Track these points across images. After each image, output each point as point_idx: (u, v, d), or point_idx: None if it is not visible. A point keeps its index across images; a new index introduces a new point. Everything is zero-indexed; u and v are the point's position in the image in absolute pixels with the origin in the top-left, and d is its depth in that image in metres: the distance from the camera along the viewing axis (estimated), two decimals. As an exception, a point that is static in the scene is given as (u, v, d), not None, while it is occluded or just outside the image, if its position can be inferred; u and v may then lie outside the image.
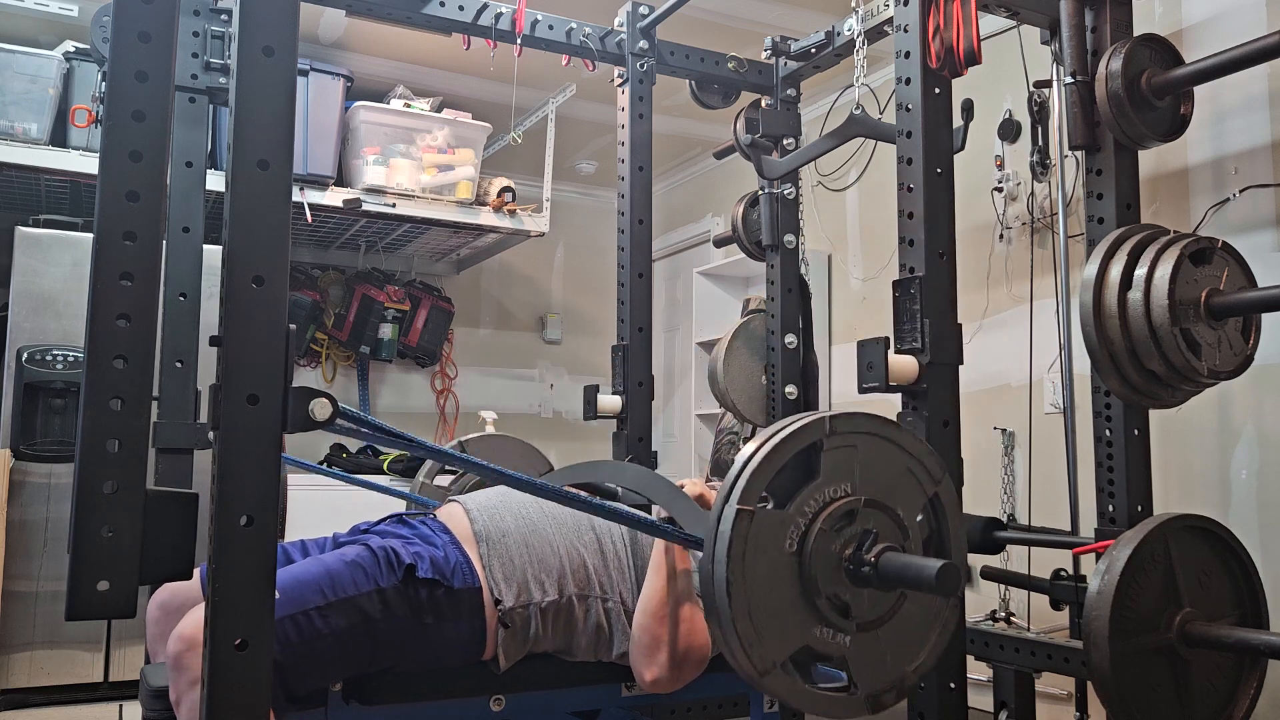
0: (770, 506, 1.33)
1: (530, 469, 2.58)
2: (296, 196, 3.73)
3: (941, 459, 1.45)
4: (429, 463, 2.54)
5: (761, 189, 2.86)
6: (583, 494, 1.56)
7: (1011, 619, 3.03)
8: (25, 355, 3.45)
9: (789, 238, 2.84)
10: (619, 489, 2.23)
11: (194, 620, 1.47)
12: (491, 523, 1.77)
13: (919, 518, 1.41)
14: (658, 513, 1.85)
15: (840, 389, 4.19)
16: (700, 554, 1.36)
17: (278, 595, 1.49)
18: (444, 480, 2.52)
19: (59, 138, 3.56)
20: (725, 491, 1.31)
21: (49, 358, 3.48)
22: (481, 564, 1.71)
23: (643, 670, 1.70)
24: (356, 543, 1.73)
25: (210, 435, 1.09)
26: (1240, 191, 2.72)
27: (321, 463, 4.52)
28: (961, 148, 1.91)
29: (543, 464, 2.61)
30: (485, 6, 2.54)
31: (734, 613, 1.27)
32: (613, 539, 1.85)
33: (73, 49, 3.63)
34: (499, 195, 4.20)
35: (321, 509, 2.64)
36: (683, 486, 1.74)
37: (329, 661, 1.55)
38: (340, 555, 1.64)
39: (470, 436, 2.57)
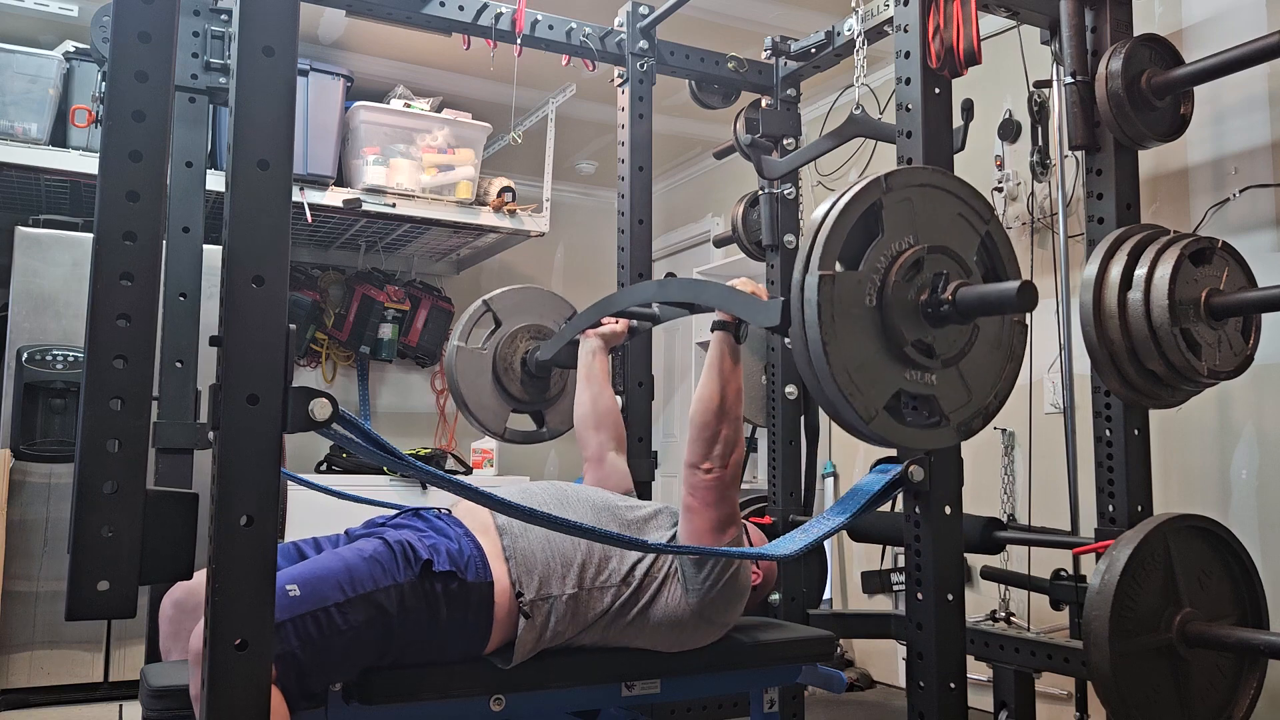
0: (843, 270, 1.43)
1: (559, 316, 2.69)
2: (296, 196, 3.73)
3: (987, 201, 1.55)
4: (461, 326, 2.63)
5: (761, 189, 2.86)
6: (596, 526, 1.59)
7: (1011, 619, 3.03)
8: (25, 355, 3.45)
9: (789, 238, 2.84)
10: (656, 310, 2.30)
11: None
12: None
13: (974, 258, 1.52)
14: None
15: (840, 389, 4.18)
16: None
17: (298, 591, 1.50)
18: (478, 342, 2.62)
19: (59, 138, 3.56)
20: (803, 261, 1.40)
21: (49, 358, 3.48)
22: (504, 556, 1.72)
23: (701, 463, 1.78)
24: (372, 536, 1.73)
25: (210, 435, 1.09)
26: (1240, 191, 2.72)
27: (321, 463, 4.52)
28: (961, 148, 1.91)
29: (567, 309, 2.70)
30: (485, 6, 2.54)
31: (834, 370, 1.37)
32: (637, 532, 1.87)
33: (73, 49, 3.63)
34: (499, 195, 4.20)
35: (322, 509, 2.63)
36: (734, 285, 1.80)
37: (346, 657, 1.55)
38: (358, 551, 1.63)
39: (497, 292, 2.67)
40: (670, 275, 2.20)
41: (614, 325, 2.39)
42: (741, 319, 1.81)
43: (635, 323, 2.41)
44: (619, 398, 2.57)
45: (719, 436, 1.78)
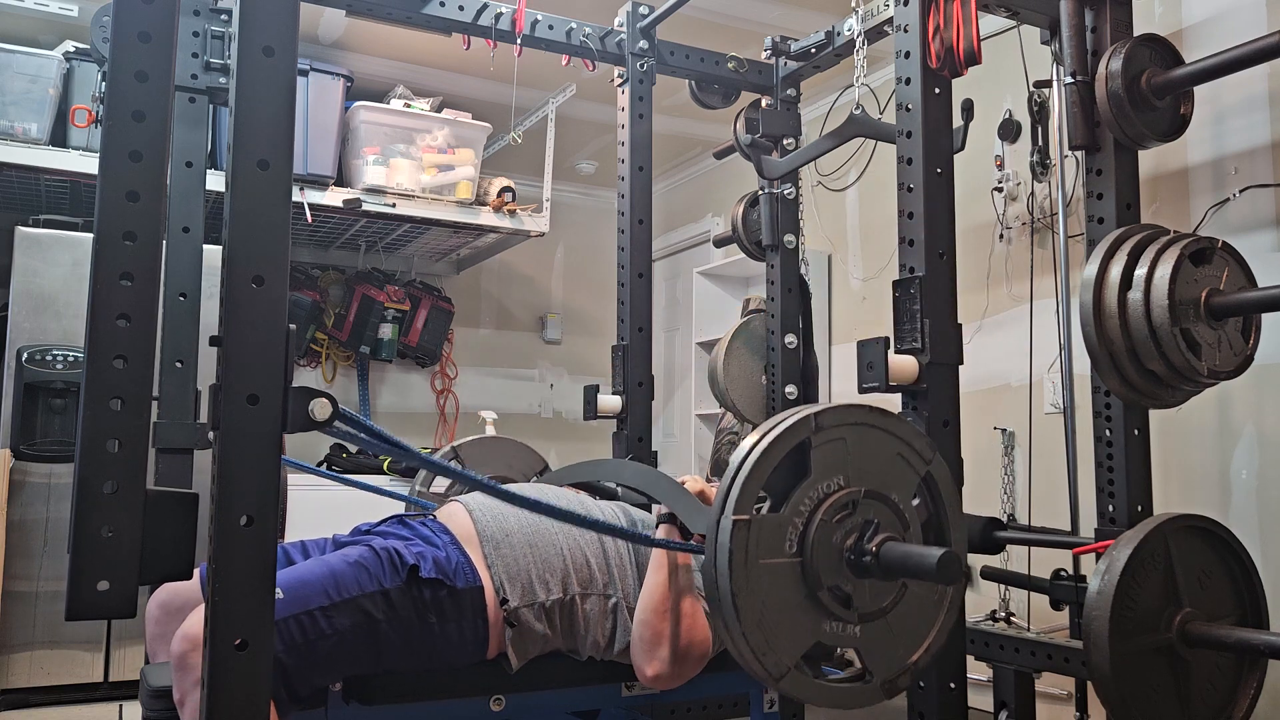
0: (766, 509, 1.33)
1: (528, 469, 2.58)
2: (296, 196, 3.73)
3: (929, 439, 1.46)
4: (423, 473, 2.54)
5: (761, 189, 2.86)
6: (575, 511, 1.58)
7: (1011, 619, 3.03)
8: (25, 355, 3.45)
9: (789, 238, 2.84)
10: (618, 488, 2.22)
11: (198, 619, 1.47)
12: (495, 523, 1.77)
13: (915, 501, 1.42)
14: (657, 511, 1.84)
15: (840, 389, 4.19)
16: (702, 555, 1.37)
17: (282, 595, 1.50)
18: (440, 487, 2.52)
19: (59, 138, 3.56)
20: (720, 502, 1.31)
21: (49, 358, 3.48)
22: (485, 564, 1.72)
23: (644, 666, 1.69)
24: (359, 543, 1.73)
25: (210, 435, 1.09)
26: (1240, 191, 2.72)
27: (321, 463, 4.52)
28: (961, 148, 1.91)
29: (539, 464, 2.61)
30: (485, 6, 2.54)
31: (744, 624, 1.28)
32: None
33: (73, 49, 3.63)
34: (499, 195, 4.20)
35: (321, 509, 2.64)
36: (684, 483, 1.74)
37: (332, 661, 1.55)
38: (344, 556, 1.64)
39: (464, 440, 2.57)
40: (632, 458, 2.18)
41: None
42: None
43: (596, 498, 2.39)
44: (618, 397, 2.57)
45: (661, 639, 1.68)
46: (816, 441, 1.35)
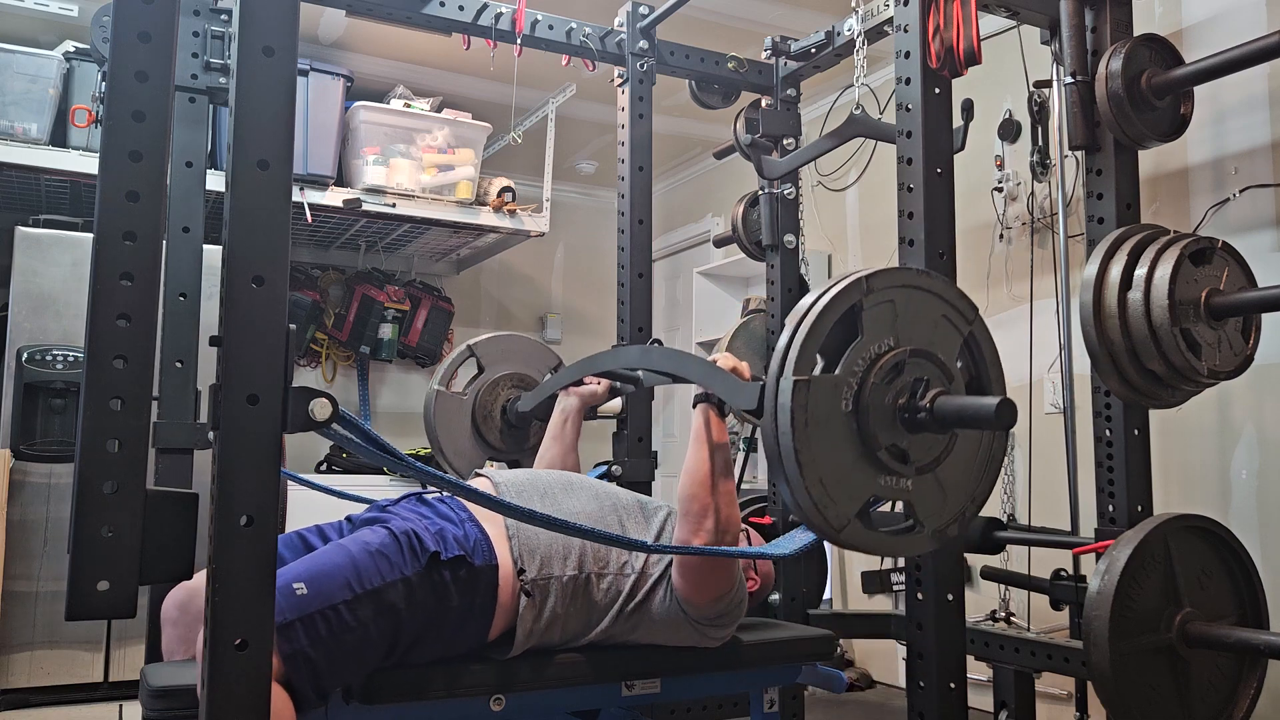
0: (821, 370, 1.37)
1: (543, 365, 2.64)
2: (296, 196, 3.73)
3: (971, 301, 1.50)
4: (443, 370, 2.60)
5: (761, 189, 2.86)
6: (588, 526, 1.58)
7: (1011, 619, 3.03)
8: (25, 355, 3.45)
9: (789, 238, 2.84)
10: (640, 373, 2.26)
11: None
12: (519, 498, 1.79)
13: (959, 362, 1.47)
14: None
15: (840, 389, 4.18)
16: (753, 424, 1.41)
17: (305, 589, 1.49)
18: (459, 386, 2.56)
19: (59, 138, 3.56)
20: (778, 363, 1.35)
21: (49, 358, 3.48)
22: (506, 535, 1.72)
23: (691, 537, 1.72)
24: (376, 522, 1.72)
25: (210, 435, 1.09)
26: (1240, 191, 2.72)
27: (321, 463, 4.52)
28: (961, 148, 1.91)
29: (553, 360, 2.67)
30: (485, 6, 2.54)
31: (806, 480, 1.32)
32: (636, 520, 1.87)
33: (73, 49, 3.63)
34: (499, 195, 4.20)
35: (322, 509, 2.62)
36: (716, 361, 1.76)
37: (357, 654, 1.53)
38: (364, 544, 1.62)
39: (481, 338, 2.61)
40: (656, 341, 2.22)
41: (594, 386, 2.37)
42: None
43: (617, 384, 2.39)
44: (618, 397, 2.57)
45: (708, 510, 1.72)
46: (867, 304, 1.39)
